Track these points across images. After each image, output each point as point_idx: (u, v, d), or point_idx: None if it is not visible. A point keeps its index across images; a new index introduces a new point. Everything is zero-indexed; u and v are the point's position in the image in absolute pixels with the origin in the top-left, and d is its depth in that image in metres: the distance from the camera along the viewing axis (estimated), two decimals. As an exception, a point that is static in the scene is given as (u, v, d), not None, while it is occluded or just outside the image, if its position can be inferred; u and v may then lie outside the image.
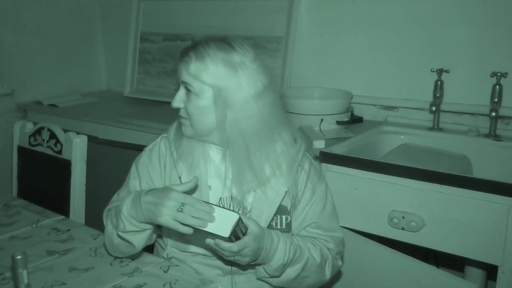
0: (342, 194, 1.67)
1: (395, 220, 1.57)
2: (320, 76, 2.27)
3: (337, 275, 1.74)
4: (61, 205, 1.79)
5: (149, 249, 1.35)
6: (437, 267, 1.89)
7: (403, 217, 1.55)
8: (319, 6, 2.22)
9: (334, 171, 1.68)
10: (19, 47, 2.65)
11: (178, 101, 1.21)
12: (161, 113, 2.23)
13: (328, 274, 1.28)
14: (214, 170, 1.26)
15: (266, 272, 1.21)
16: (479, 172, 1.74)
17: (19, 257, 1.08)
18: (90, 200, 1.85)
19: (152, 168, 1.30)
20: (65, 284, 1.18)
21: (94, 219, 1.55)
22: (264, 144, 1.19)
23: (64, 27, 2.84)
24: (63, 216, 1.61)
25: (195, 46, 1.18)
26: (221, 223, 1.07)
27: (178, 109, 1.23)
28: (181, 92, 1.20)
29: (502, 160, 1.76)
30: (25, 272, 1.09)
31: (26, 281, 1.09)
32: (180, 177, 1.24)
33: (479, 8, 1.86)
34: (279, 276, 1.22)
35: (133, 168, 1.34)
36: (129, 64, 2.80)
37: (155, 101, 2.60)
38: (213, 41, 1.18)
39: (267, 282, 1.28)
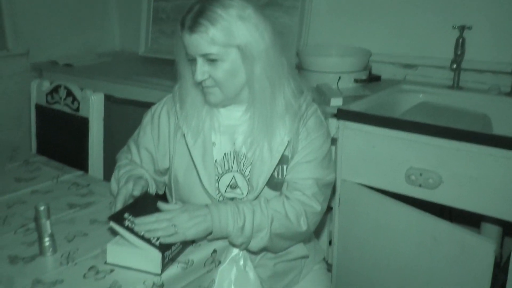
0: (359, 152, 1.67)
1: (413, 177, 1.56)
2: (337, 33, 2.23)
3: (353, 232, 1.75)
4: (79, 162, 1.81)
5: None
6: (453, 225, 1.89)
7: (420, 174, 1.54)
8: (338, -39, 2.17)
9: (351, 128, 1.67)
10: (33, 8, 2.63)
11: (202, 73, 1.16)
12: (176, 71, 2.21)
13: (304, 225, 1.21)
14: (219, 126, 1.26)
15: (235, 245, 1.17)
16: (499, 131, 1.71)
17: (42, 207, 1.10)
18: (106, 157, 1.87)
19: (153, 128, 1.34)
20: (87, 235, 1.21)
21: (111, 175, 1.56)
22: (277, 92, 1.19)
23: (77, -13, 2.81)
24: (82, 172, 1.63)
25: (200, 13, 1.12)
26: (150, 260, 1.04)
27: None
28: (201, 63, 1.16)
29: (523, 119, 1.73)
30: (48, 222, 1.11)
31: (49, 231, 1.11)
32: (184, 134, 1.26)
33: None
34: (249, 245, 1.17)
35: (143, 120, 1.38)
36: (143, 23, 2.77)
37: (170, 60, 2.56)
38: (211, 2, 1.13)
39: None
